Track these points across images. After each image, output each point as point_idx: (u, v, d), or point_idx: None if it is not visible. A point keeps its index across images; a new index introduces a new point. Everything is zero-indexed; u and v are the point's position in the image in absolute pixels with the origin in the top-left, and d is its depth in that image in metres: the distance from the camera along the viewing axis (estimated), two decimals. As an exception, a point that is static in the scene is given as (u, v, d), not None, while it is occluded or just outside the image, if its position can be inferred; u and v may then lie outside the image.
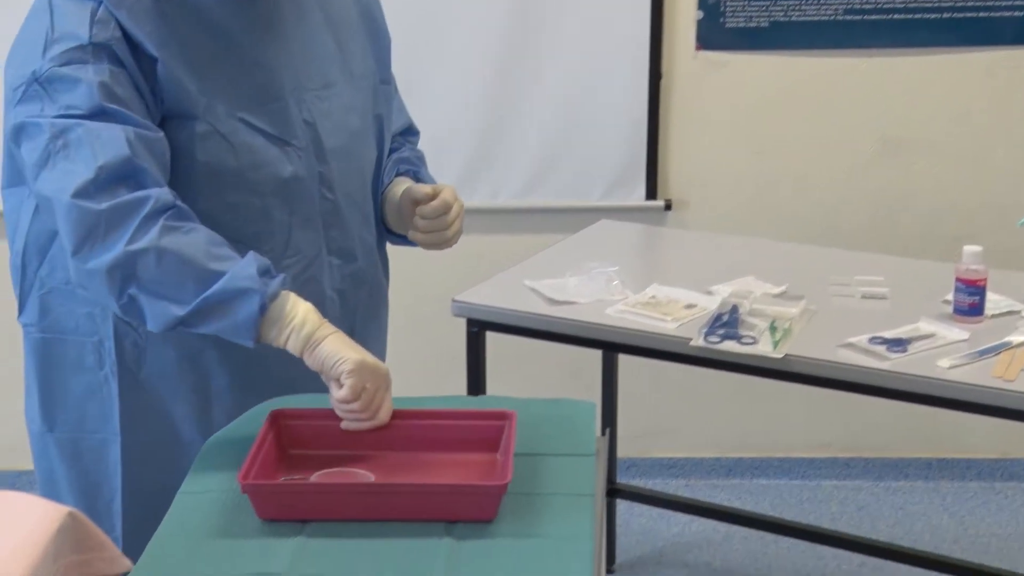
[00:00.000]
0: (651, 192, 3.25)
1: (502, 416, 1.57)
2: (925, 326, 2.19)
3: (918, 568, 2.85)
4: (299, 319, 1.57)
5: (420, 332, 3.19)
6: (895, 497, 3.39)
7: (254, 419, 1.63)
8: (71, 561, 1.28)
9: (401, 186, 1.89)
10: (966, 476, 3.46)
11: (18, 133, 1.58)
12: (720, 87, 3.19)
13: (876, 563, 3.00)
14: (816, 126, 3.24)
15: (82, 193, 1.51)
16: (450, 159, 3.09)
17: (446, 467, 1.54)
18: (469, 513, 1.42)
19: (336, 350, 1.56)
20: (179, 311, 1.53)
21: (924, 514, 3.31)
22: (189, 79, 1.60)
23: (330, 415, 1.61)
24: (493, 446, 1.55)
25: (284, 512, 1.43)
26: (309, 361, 1.57)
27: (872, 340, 2.14)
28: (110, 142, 1.52)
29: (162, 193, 1.54)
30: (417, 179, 1.94)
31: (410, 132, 2.03)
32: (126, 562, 1.36)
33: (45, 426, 1.79)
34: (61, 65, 1.54)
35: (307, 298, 1.62)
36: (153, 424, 1.73)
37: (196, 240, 1.54)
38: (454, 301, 2.40)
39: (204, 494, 1.50)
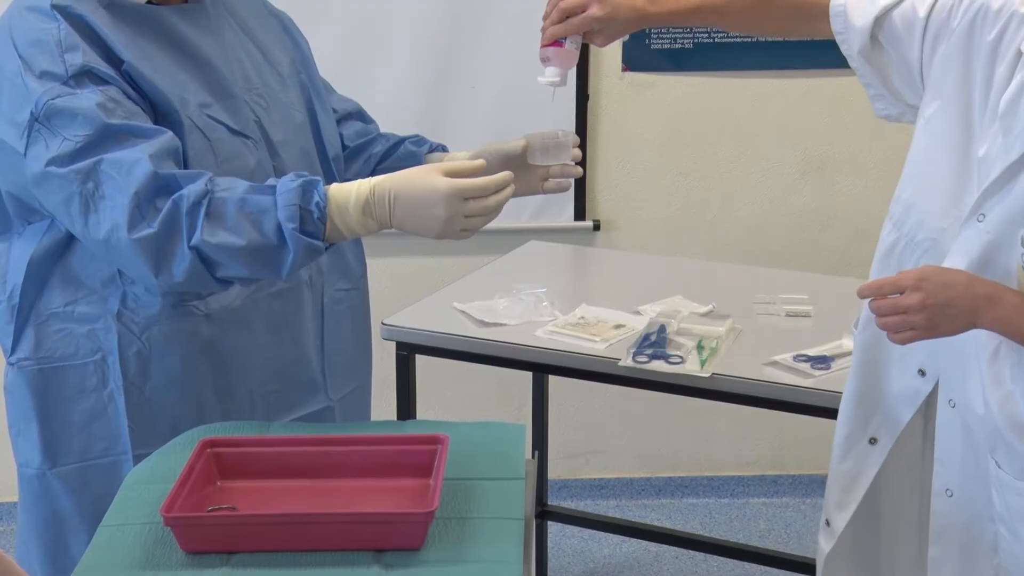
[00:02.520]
0: (580, 213, 3.26)
1: (433, 440, 1.57)
2: (847, 343, 2.20)
3: (846, 583, 2.88)
4: (355, 185, 1.61)
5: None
6: (821, 513, 3.42)
7: (182, 446, 1.61)
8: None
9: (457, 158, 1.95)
10: (891, 490, 3.51)
11: (42, 184, 1.61)
12: (646, 108, 3.22)
13: (804, 579, 3.03)
14: (740, 146, 3.29)
15: (133, 225, 1.56)
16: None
17: (378, 494, 1.53)
18: (396, 541, 1.41)
19: (408, 180, 1.60)
20: (262, 233, 1.57)
21: (851, 528, 3.35)
22: (157, 78, 1.65)
23: (260, 442, 1.60)
24: (425, 471, 1.54)
25: (208, 544, 1.41)
26: (399, 212, 1.60)
27: (797, 358, 2.16)
28: (133, 165, 1.57)
29: (192, 186, 1.58)
30: (445, 150, 2.02)
31: (365, 116, 2.07)
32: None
33: (47, 463, 1.78)
34: (54, 99, 1.58)
35: (289, 283, 1.74)
36: (163, 434, 1.73)
37: (237, 194, 1.59)
38: (383, 324, 2.39)
39: (127, 527, 1.47)
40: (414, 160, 1.97)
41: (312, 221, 1.58)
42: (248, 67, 1.80)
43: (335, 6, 3.07)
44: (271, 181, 1.62)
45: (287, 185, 1.59)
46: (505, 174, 1.63)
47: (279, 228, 1.57)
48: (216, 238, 1.56)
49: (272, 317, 1.82)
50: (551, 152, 1.86)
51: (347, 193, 1.60)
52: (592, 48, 3.14)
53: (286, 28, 1.94)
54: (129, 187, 1.56)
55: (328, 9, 3.06)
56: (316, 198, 1.58)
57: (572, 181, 1.93)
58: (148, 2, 1.70)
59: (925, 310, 1.49)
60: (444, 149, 2.03)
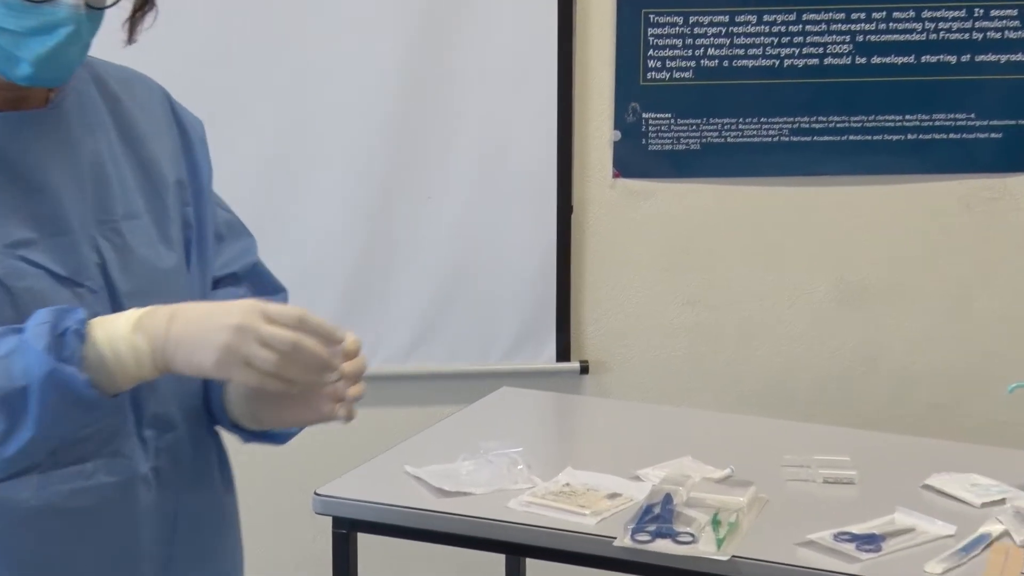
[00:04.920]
0: (563, 352, 3.29)
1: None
2: (902, 518, 2.18)
3: None
4: (122, 319, 1.56)
5: (275, 532, 3.11)
6: None
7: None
8: None
9: None
10: None
11: None
12: (644, 222, 3.25)
13: None
14: (761, 270, 3.29)
15: None
16: (314, 310, 3.06)
17: None
18: None
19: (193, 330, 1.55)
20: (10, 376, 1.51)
21: None
22: None
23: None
24: None
25: None
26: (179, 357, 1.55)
27: (838, 536, 2.12)
28: None
29: None
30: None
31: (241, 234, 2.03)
32: None
33: None
34: None
35: (115, 477, 1.66)
36: None
37: None
38: (316, 495, 2.33)
39: None
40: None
41: (65, 344, 1.52)
42: (116, 190, 1.74)
43: (267, 106, 3.13)
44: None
45: (40, 317, 1.53)
46: (332, 326, 1.58)
47: (25, 366, 1.52)
48: None
49: (83, 522, 1.70)
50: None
51: (120, 313, 1.57)
52: (577, 149, 3.17)
53: (189, 146, 1.88)
54: None
55: (259, 110, 3.12)
56: (78, 315, 1.53)
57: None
58: None
59: None
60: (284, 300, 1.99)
